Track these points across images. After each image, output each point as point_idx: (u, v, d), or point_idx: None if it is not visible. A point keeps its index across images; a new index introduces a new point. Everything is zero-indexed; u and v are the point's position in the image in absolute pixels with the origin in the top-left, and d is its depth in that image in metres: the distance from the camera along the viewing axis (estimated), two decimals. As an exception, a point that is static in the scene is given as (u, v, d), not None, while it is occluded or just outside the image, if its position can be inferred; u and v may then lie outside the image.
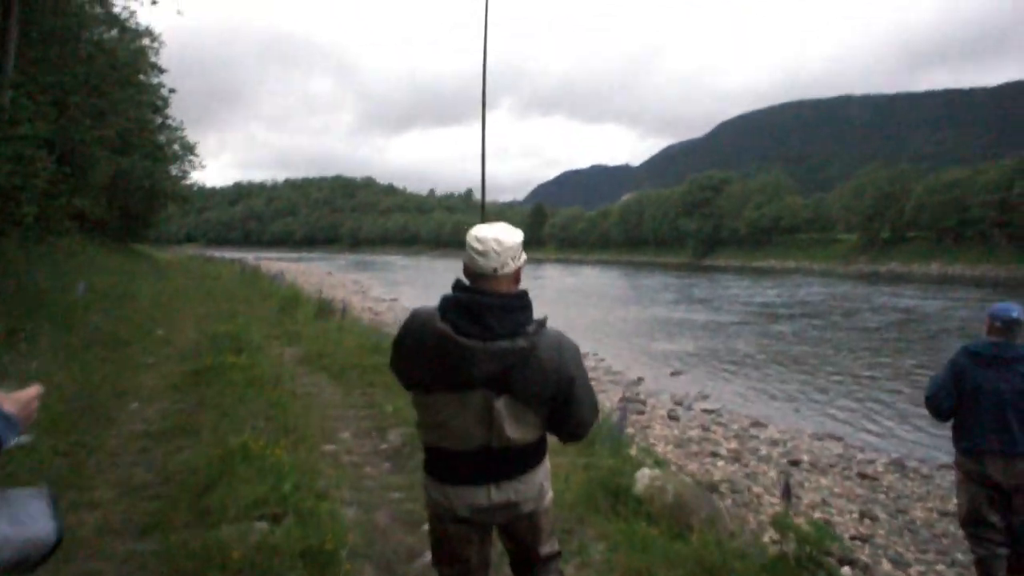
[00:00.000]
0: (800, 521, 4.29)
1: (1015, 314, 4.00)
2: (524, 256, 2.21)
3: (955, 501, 4.46)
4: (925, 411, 4.39)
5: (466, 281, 2.19)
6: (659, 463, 5.77)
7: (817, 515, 6.39)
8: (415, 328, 2.17)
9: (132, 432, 5.81)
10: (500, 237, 2.14)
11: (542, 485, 2.30)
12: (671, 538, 4.12)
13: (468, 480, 2.19)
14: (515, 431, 2.13)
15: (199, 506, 4.08)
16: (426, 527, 2.63)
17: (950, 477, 8.53)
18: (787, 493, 4.86)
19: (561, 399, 2.16)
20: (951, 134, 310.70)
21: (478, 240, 2.13)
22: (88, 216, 21.64)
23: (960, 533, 4.81)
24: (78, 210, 16.80)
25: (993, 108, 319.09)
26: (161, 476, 4.69)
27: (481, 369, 2.05)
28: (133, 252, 37.54)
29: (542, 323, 2.15)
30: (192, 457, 4.95)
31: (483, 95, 3.67)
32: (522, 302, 2.14)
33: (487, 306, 2.07)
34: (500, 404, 2.08)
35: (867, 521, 6.37)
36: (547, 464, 2.34)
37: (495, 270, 2.12)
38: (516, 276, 2.20)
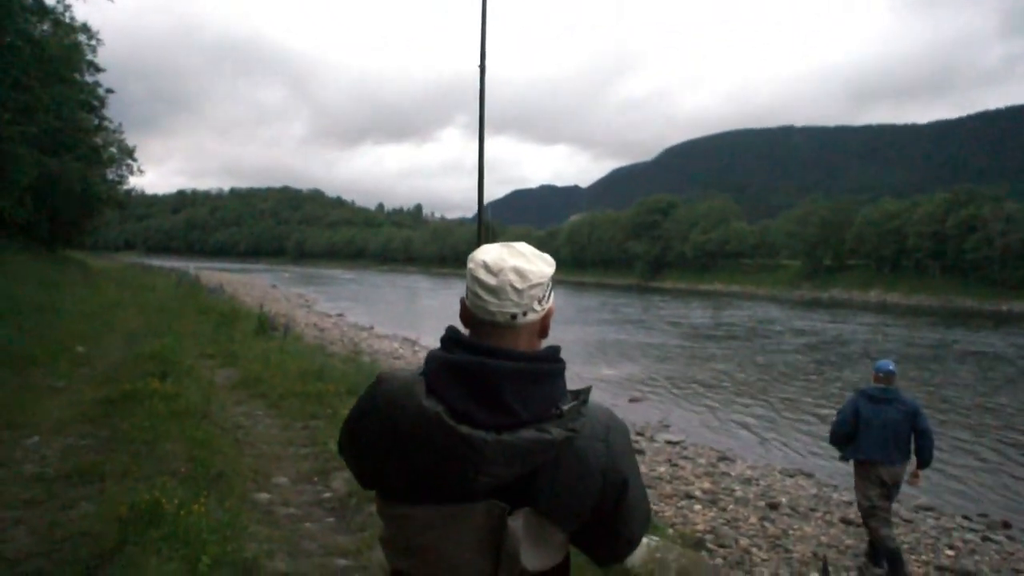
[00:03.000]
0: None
1: (891, 367, 5.94)
2: (552, 296, 1.43)
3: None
4: None
5: (465, 331, 1.40)
6: (656, 527, 5.06)
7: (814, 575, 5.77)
8: (382, 406, 1.37)
9: (22, 476, 4.84)
10: (522, 266, 1.35)
11: None
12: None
13: None
14: (535, 558, 1.34)
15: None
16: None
17: (932, 522, 8.14)
18: (827, 579, 4.21)
19: (606, 509, 1.40)
20: (884, 168, 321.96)
21: (488, 269, 1.35)
22: (9, 218, 20.10)
23: None
24: (-5, 212, 15.44)
25: (922, 145, 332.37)
26: (46, 542, 3.75)
27: (492, 474, 1.27)
28: (63, 259, 35.48)
29: (583, 397, 1.37)
30: (89, 515, 4.04)
31: (480, 113, 3.04)
32: (553, 367, 1.35)
33: (504, 375, 1.29)
34: (517, 524, 1.30)
35: (867, 581, 5.79)
36: None
37: (513, 317, 1.34)
38: (543, 326, 1.42)
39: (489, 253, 1.39)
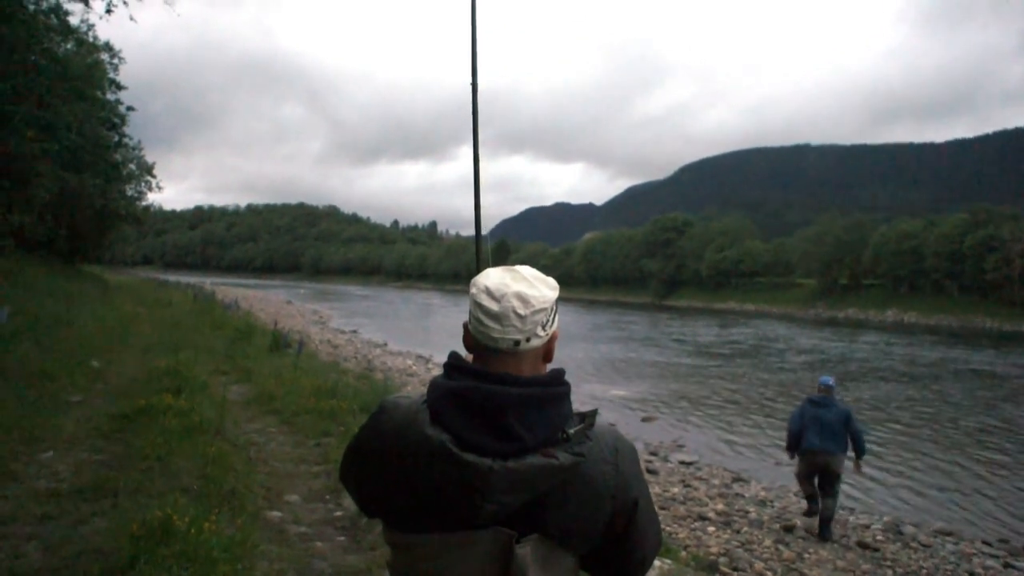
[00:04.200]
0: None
1: (830, 382, 7.79)
2: (557, 320, 1.40)
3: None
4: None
5: (468, 357, 1.39)
6: (668, 550, 5.00)
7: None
8: (386, 435, 1.35)
9: (36, 491, 4.86)
10: (525, 292, 1.33)
11: None
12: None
13: None
14: None
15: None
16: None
17: (951, 547, 8.00)
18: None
19: (617, 532, 1.38)
20: (901, 187, 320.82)
21: (491, 295, 1.33)
22: (28, 233, 20.34)
23: None
24: (15, 226, 15.63)
25: (940, 164, 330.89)
26: (57, 558, 3.76)
27: (499, 501, 1.25)
28: (81, 274, 35.84)
29: (589, 420, 1.35)
30: (101, 531, 4.05)
31: (474, 127, 3.02)
32: (558, 390, 1.34)
33: (508, 401, 1.27)
34: (525, 551, 1.28)
35: (885, 608, 5.69)
36: None
37: (517, 343, 1.33)
38: (547, 351, 1.40)
39: (491, 278, 1.37)
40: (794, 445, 7.63)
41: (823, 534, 7.65)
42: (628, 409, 16.58)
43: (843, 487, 10.78)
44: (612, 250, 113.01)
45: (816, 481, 7.68)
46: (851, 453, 7.55)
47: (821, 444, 7.31)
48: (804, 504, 8.15)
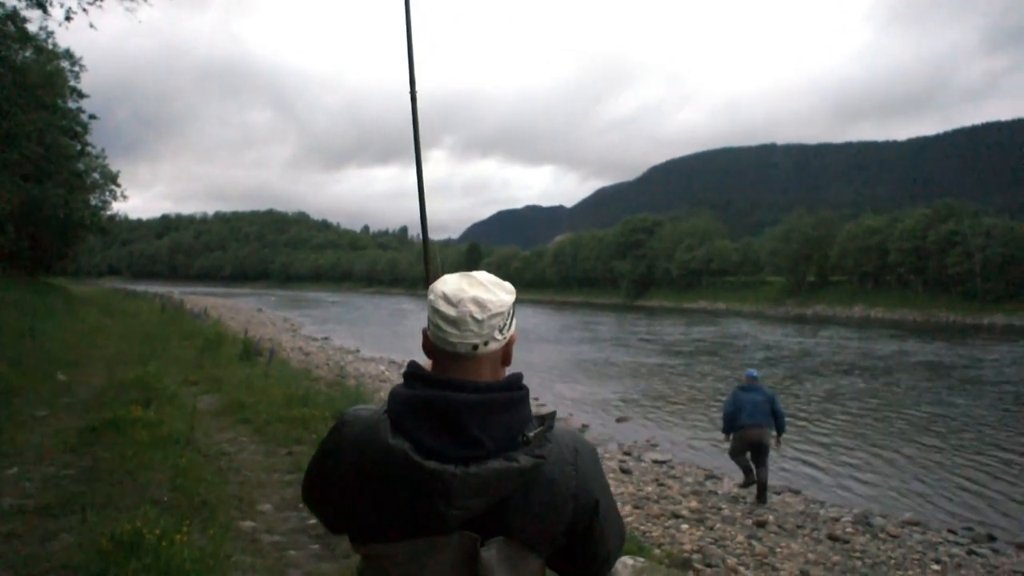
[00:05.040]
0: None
1: (755, 374, 9.45)
2: (514, 324, 1.44)
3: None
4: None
5: (427, 363, 1.42)
6: (642, 548, 5.04)
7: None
8: (348, 448, 1.37)
9: (1, 508, 4.78)
10: (482, 296, 1.36)
11: None
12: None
13: None
14: None
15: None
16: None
17: (918, 537, 8.18)
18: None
19: (580, 531, 1.41)
20: (866, 184, 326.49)
21: (448, 300, 1.35)
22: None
23: None
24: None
25: (902, 161, 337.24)
26: (24, 576, 3.72)
27: (463, 506, 1.28)
28: (45, 285, 35.19)
29: (548, 423, 1.38)
30: (69, 547, 4.00)
31: (416, 143, 3.02)
32: (516, 394, 1.36)
33: (467, 407, 1.29)
34: (491, 554, 1.32)
35: (854, 599, 5.81)
36: None
37: (474, 347, 1.35)
38: (505, 354, 1.43)
39: (448, 284, 1.39)
40: (728, 427, 9.07)
41: (761, 499, 9.07)
42: (603, 410, 16.67)
43: (813, 482, 11.17)
44: (583, 252, 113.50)
45: (749, 456, 9.06)
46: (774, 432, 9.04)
47: (753, 420, 8.78)
48: (753, 487, 9.30)
